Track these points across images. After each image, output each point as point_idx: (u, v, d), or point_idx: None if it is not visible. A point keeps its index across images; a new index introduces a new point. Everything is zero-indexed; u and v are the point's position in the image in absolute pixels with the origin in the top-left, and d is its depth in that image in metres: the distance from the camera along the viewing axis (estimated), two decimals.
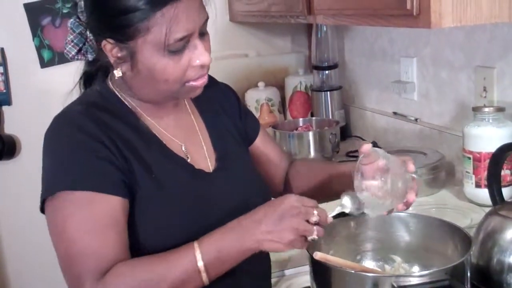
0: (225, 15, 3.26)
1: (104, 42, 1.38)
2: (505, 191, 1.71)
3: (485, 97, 2.15)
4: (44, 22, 2.94)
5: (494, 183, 1.63)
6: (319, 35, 3.02)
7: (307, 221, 1.30)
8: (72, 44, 1.46)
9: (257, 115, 3.16)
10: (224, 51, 3.26)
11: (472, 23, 1.61)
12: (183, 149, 1.51)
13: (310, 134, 2.68)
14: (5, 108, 3.01)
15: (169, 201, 1.41)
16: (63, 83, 3.13)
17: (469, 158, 1.98)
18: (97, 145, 1.36)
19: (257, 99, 3.18)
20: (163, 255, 1.31)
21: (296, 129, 2.81)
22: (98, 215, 1.32)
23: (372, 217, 1.45)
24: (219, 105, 1.67)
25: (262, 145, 1.75)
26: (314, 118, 2.98)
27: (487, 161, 1.71)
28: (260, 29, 3.37)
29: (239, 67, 3.30)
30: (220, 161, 1.55)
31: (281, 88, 3.27)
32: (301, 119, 2.98)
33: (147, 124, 1.48)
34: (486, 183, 1.70)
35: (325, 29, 3.00)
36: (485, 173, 1.73)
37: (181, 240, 1.33)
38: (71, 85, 3.15)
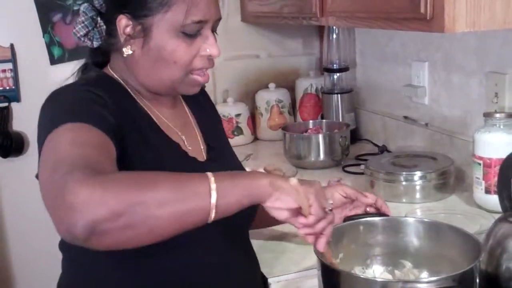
0: (237, 16, 3.25)
1: (120, 17, 1.43)
2: None
3: (496, 103, 2.14)
4: (55, 19, 2.94)
5: (504, 190, 1.61)
6: (330, 38, 3.02)
7: None
8: (83, 25, 1.47)
9: (267, 116, 3.17)
10: (235, 51, 3.26)
11: (486, 28, 1.60)
12: (181, 136, 1.55)
13: (320, 136, 2.67)
14: (13, 104, 3.01)
15: None
16: (73, 80, 3.13)
17: (479, 163, 1.97)
18: (100, 99, 1.35)
19: (267, 100, 3.18)
20: (176, 173, 1.18)
21: (306, 131, 2.81)
22: (91, 137, 1.23)
23: None
24: (204, 104, 1.73)
25: None
26: (324, 120, 2.97)
27: (497, 167, 1.70)
28: (272, 30, 3.36)
29: (250, 68, 3.30)
30: (212, 153, 1.60)
31: (292, 89, 3.27)
32: (311, 121, 2.97)
33: (146, 109, 1.51)
34: (496, 189, 1.69)
35: (336, 31, 3.00)
36: (495, 179, 1.72)
37: None
38: None
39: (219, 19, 1.50)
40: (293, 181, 1.23)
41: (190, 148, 1.55)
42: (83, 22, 1.48)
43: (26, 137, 3.02)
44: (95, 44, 1.50)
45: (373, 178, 2.24)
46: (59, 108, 1.34)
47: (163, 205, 1.10)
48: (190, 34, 1.43)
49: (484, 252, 1.45)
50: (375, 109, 3.02)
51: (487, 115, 1.98)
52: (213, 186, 1.15)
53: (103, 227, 1.05)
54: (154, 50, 1.43)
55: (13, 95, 2.99)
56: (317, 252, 1.35)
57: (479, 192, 2.01)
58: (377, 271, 1.52)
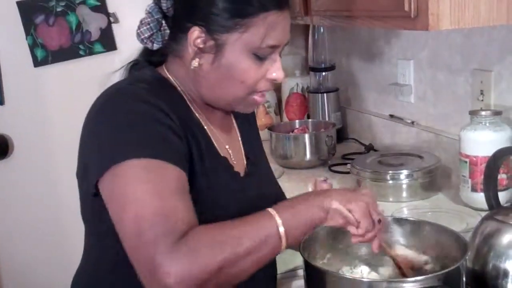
0: None
1: (194, 28, 1.38)
2: (501, 196, 1.69)
3: (482, 100, 2.13)
4: (38, 21, 2.91)
5: (490, 187, 1.61)
6: (316, 37, 3.01)
7: None
8: (148, 26, 1.43)
9: None
10: None
11: (470, 26, 1.60)
12: (229, 150, 1.54)
13: (306, 136, 2.66)
14: None
15: (212, 194, 1.40)
16: (56, 82, 3.12)
17: (466, 162, 1.97)
18: (163, 116, 1.33)
19: None
20: (242, 219, 1.26)
21: (292, 131, 2.80)
22: (168, 180, 1.26)
23: None
24: (248, 116, 1.70)
25: None
26: (310, 120, 2.97)
27: (484, 165, 1.70)
28: None
29: None
30: (251, 167, 1.58)
31: (278, 89, 3.27)
32: (297, 121, 2.96)
33: (200, 119, 1.49)
34: (482, 187, 1.69)
35: (322, 30, 3.00)
36: (482, 177, 1.72)
37: None
38: (65, 84, 3.13)
39: (287, 43, 1.48)
40: (335, 204, 1.31)
41: (235, 162, 1.54)
42: (148, 24, 1.44)
43: (11, 140, 3.00)
44: (155, 46, 1.46)
45: (359, 177, 2.24)
46: (125, 129, 1.31)
47: (244, 261, 1.22)
48: (260, 57, 1.41)
49: (471, 251, 1.44)
50: (361, 108, 3.02)
51: (473, 113, 1.98)
52: (279, 221, 1.25)
53: None
54: (224, 68, 1.40)
55: None
56: (303, 252, 1.35)
57: (465, 190, 2.01)
58: (364, 271, 1.52)
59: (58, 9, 2.90)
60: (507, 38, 2.03)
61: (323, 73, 3.04)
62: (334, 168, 2.60)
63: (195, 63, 1.41)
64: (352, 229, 1.33)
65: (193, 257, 1.16)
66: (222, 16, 1.37)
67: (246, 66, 1.40)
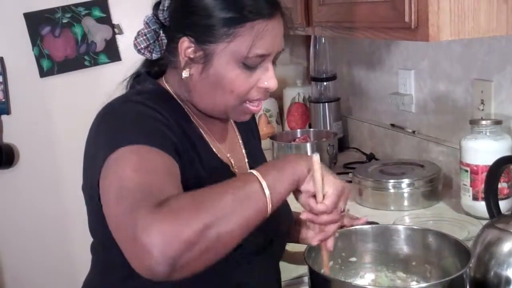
0: None
1: (183, 39, 1.40)
2: (502, 204, 1.71)
3: (482, 110, 2.15)
4: (44, 32, 2.94)
5: (491, 196, 1.63)
6: (317, 47, 3.03)
7: None
8: (145, 37, 1.46)
9: None
10: None
11: (470, 37, 1.62)
12: (230, 159, 1.56)
13: (308, 145, 2.68)
14: (3, 117, 3.00)
15: None
16: (62, 93, 3.13)
17: (467, 170, 1.99)
18: (162, 118, 1.34)
19: None
20: (225, 181, 1.22)
21: (294, 140, 2.82)
22: (157, 162, 1.24)
23: None
24: (250, 128, 1.72)
25: None
26: (312, 129, 2.99)
27: (484, 173, 1.71)
28: None
29: None
30: None
31: (279, 99, 3.28)
32: (299, 130, 2.99)
33: (200, 129, 1.50)
34: (483, 195, 1.70)
35: (323, 41, 3.01)
36: (482, 185, 1.73)
37: None
38: (70, 94, 3.14)
39: (282, 50, 1.46)
40: (316, 157, 1.25)
41: (237, 170, 1.55)
42: (145, 35, 1.46)
43: (16, 149, 3.01)
44: (154, 56, 1.49)
45: (361, 186, 2.25)
46: (121, 125, 1.32)
47: (229, 219, 1.14)
48: (250, 67, 1.40)
49: (473, 259, 1.46)
50: (362, 118, 3.04)
51: (473, 122, 1.99)
52: (264, 184, 1.20)
53: (182, 261, 1.08)
54: (212, 77, 1.41)
55: (3, 108, 2.98)
56: (307, 260, 1.36)
57: (466, 199, 2.02)
58: (367, 279, 1.53)
59: (64, 21, 2.93)
60: (507, 48, 2.05)
61: (325, 83, 3.05)
62: None
63: (185, 73, 1.42)
64: (311, 202, 1.26)
65: (174, 215, 1.09)
66: (210, 27, 1.38)
67: (234, 75, 1.40)
